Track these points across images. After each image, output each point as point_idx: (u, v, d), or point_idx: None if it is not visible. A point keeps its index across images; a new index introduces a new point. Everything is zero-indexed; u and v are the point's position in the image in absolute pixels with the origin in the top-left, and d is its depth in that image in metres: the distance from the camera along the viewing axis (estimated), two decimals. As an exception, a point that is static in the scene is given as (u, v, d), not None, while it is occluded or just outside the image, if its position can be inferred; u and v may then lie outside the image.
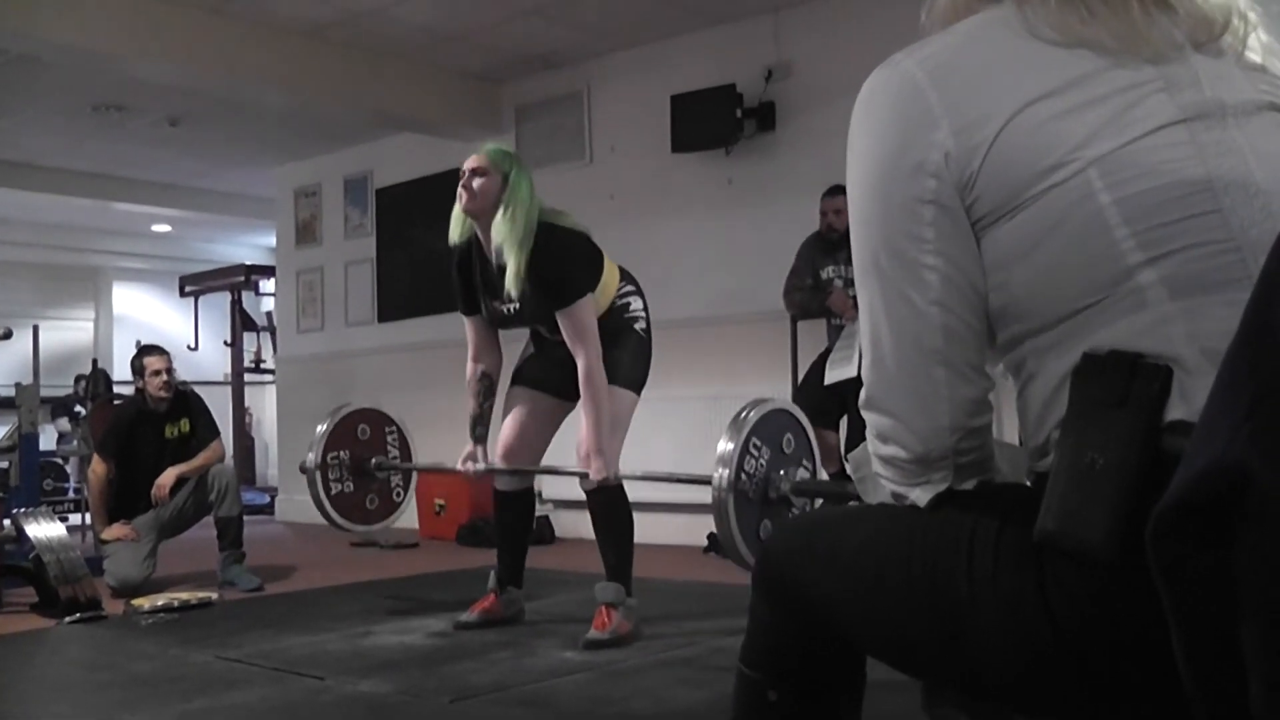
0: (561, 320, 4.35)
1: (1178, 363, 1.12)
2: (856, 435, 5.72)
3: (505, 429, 4.67)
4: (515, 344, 4.79)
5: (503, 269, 4.37)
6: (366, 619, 4.92)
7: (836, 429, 6.16)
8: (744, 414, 3.80)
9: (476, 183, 4.42)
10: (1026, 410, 1.28)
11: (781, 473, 3.78)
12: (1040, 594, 1.17)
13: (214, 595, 5.52)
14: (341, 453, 5.15)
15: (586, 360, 4.32)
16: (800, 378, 6.43)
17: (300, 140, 10.03)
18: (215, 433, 6.41)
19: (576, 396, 4.49)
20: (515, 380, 4.74)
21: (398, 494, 5.37)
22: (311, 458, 5.08)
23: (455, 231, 4.61)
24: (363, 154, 10.11)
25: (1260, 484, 0.82)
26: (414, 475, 5.47)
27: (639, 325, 4.58)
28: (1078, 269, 1.20)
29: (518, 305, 4.42)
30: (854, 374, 5.67)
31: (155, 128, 9.59)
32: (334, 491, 5.12)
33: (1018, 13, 1.30)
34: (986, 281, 1.27)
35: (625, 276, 4.64)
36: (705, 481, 3.76)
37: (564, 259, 4.38)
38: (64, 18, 6.59)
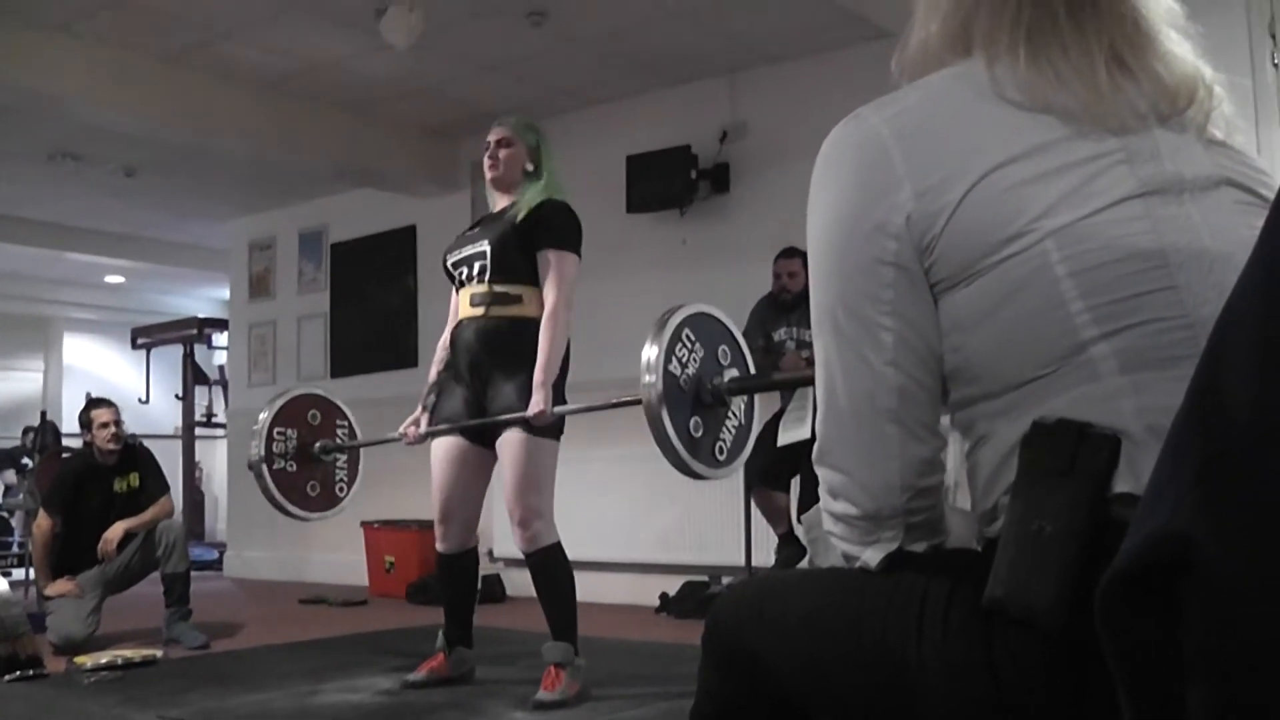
0: (550, 258, 4.42)
1: (1125, 435, 1.13)
2: (809, 496, 5.73)
3: (435, 489, 4.61)
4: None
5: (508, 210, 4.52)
6: (313, 677, 4.86)
7: (787, 490, 6.16)
8: (666, 317, 3.74)
9: (503, 153, 4.59)
10: (976, 474, 1.29)
11: (714, 376, 3.74)
12: (988, 661, 1.17)
13: (158, 653, 5.43)
14: (289, 430, 5.07)
15: (555, 301, 4.38)
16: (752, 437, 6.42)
17: (256, 193, 10.02)
18: (165, 488, 6.35)
19: (493, 440, 4.44)
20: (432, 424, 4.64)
21: (340, 489, 5.25)
22: (255, 448, 4.98)
23: (489, 204, 4.74)
24: (318, 208, 10.11)
25: (1205, 552, 0.83)
26: (359, 472, 5.33)
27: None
28: (1032, 340, 1.20)
29: (481, 228, 4.56)
30: (806, 435, 5.68)
31: (110, 177, 9.54)
32: (275, 466, 5.01)
33: (986, 71, 1.31)
34: (942, 343, 1.28)
35: None
36: (636, 402, 3.69)
37: (572, 220, 4.54)
38: (21, 64, 6.58)
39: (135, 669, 5.14)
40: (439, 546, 4.66)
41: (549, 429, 4.37)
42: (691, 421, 3.69)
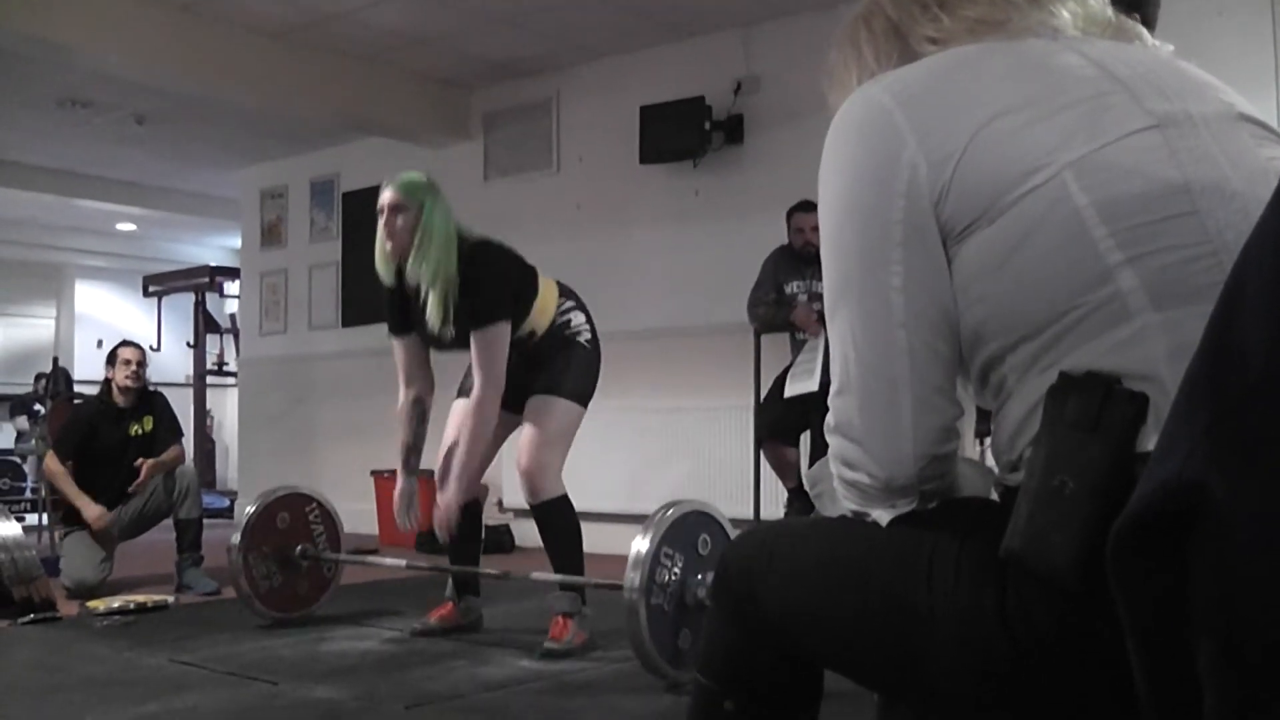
0: (473, 339, 4.25)
1: (1156, 382, 1.11)
2: (818, 450, 5.73)
3: (448, 437, 4.56)
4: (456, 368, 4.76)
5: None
6: (322, 624, 4.89)
7: (797, 444, 6.16)
8: (657, 515, 3.68)
9: (400, 221, 4.30)
10: (1001, 428, 1.27)
11: (699, 577, 3.62)
12: (1000, 611, 1.17)
13: (170, 598, 5.48)
14: (264, 546, 4.87)
15: (482, 389, 4.24)
16: (763, 391, 6.43)
17: (267, 142, 9.99)
18: (179, 435, 6.38)
19: (519, 408, 4.47)
20: (460, 393, 4.58)
21: (329, 569, 5.10)
22: (234, 562, 4.80)
23: (384, 272, 4.48)
24: (330, 157, 10.08)
25: (1217, 500, 0.82)
26: (339, 528, 5.13)
27: (583, 338, 4.53)
28: (1057, 271, 1.19)
29: (453, 331, 4.30)
30: (814, 388, 5.68)
31: (122, 125, 9.52)
32: (264, 589, 4.86)
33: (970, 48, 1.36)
34: (960, 300, 1.26)
35: (565, 293, 4.59)
36: (617, 587, 3.64)
37: (483, 282, 4.28)
38: (32, 10, 6.55)
39: (147, 614, 5.18)
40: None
41: (579, 395, 4.45)
42: (681, 635, 3.62)
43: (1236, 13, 5.42)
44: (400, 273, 4.44)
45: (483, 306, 4.25)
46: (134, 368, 6.25)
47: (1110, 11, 1.43)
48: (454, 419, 4.58)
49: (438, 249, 4.25)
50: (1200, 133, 1.23)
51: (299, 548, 4.97)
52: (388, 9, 7.10)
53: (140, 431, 6.26)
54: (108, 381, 6.32)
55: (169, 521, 6.11)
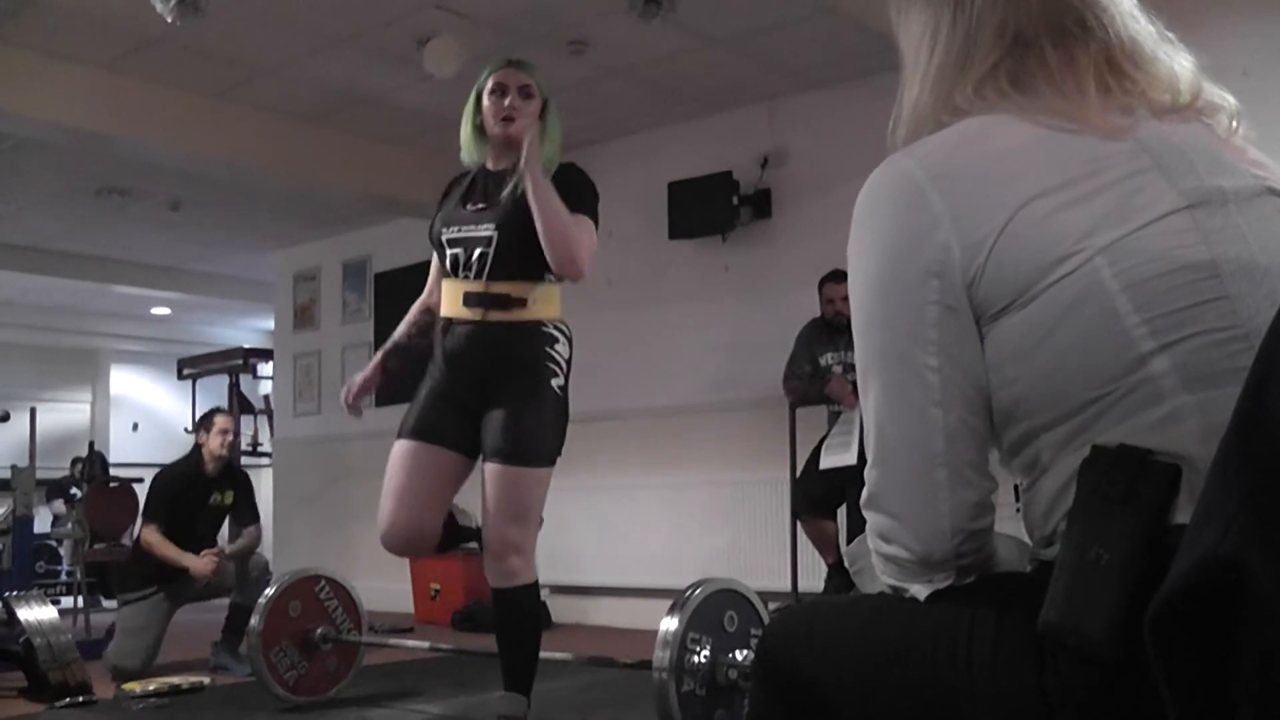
0: (572, 222, 3.78)
1: (1187, 462, 1.11)
2: (855, 524, 5.69)
3: (386, 497, 3.92)
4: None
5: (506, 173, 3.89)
6: (360, 705, 4.87)
7: (834, 518, 6.12)
8: (686, 594, 3.55)
9: (530, 105, 3.88)
10: (1034, 503, 1.27)
11: (729, 655, 3.49)
12: (1039, 685, 1.17)
13: (206, 680, 5.46)
14: (282, 641, 4.81)
15: (579, 238, 3.84)
16: (799, 464, 6.40)
17: (299, 224, 10.10)
18: (256, 516, 6.42)
19: (478, 451, 3.86)
20: (400, 433, 3.98)
21: (353, 633, 5.02)
22: (255, 653, 4.76)
23: (472, 153, 4.09)
24: (362, 239, 10.17)
25: (1254, 575, 0.82)
26: (356, 602, 5.07)
27: (557, 381, 3.84)
28: (1089, 358, 1.19)
29: (485, 200, 3.90)
30: (852, 461, 5.64)
31: (156, 211, 9.66)
32: (293, 681, 4.81)
33: (993, 114, 1.34)
34: (992, 379, 1.27)
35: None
36: (646, 666, 3.50)
37: (591, 186, 3.99)
38: (68, 101, 6.68)
39: (182, 696, 5.16)
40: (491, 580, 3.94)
41: (546, 457, 3.77)
42: (716, 715, 3.51)
43: (1262, 74, 5.42)
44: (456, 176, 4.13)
45: (588, 199, 3.93)
46: (229, 436, 6.25)
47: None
48: (394, 473, 4.02)
49: (551, 149, 3.92)
50: (1230, 211, 1.23)
51: (319, 630, 4.92)
52: (416, 91, 7.18)
53: (219, 501, 6.27)
54: (198, 447, 6.28)
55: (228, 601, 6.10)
